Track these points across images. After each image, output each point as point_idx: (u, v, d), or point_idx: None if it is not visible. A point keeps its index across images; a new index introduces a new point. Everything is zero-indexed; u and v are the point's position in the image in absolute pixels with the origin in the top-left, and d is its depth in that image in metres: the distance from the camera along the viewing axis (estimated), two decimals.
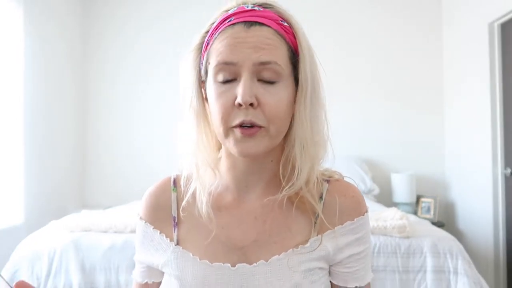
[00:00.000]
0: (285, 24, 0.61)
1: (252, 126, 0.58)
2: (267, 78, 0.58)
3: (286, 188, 0.62)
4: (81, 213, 2.39)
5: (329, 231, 0.64)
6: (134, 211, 2.40)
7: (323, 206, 0.65)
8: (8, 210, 2.67)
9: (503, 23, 2.67)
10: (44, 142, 3.12)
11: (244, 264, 0.62)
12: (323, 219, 0.64)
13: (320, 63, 0.65)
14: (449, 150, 3.39)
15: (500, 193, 2.73)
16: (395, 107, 3.49)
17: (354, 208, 0.65)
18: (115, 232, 2.01)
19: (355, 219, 0.65)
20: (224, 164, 0.67)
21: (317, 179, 0.65)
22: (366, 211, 0.67)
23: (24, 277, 1.90)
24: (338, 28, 3.55)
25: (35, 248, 1.94)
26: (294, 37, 0.62)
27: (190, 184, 0.67)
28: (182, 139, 0.66)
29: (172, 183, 0.71)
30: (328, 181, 0.67)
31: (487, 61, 2.75)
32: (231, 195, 0.67)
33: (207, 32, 0.64)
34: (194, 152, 0.64)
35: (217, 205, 0.66)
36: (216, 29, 0.62)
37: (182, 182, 0.69)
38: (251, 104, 0.57)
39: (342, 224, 0.64)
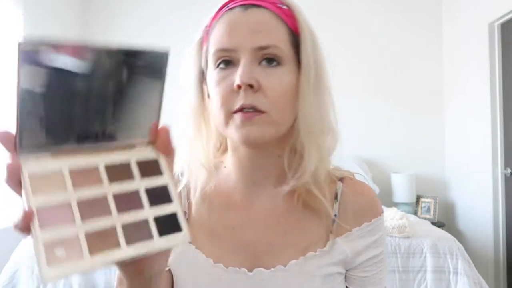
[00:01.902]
0: (284, 7, 0.58)
1: (253, 110, 0.54)
2: (268, 62, 0.55)
3: (293, 179, 0.58)
4: None
5: (346, 233, 0.60)
6: None
7: (339, 206, 0.61)
8: (8, 210, 2.67)
9: (503, 23, 2.67)
10: None
11: (261, 269, 0.58)
12: (339, 221, 0.60)
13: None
14: (449, 150, 3.39)
15: (500, 193, 2.72)
16: (394, 107, 3.49)
17: (371, 208, 0.62)
18: None
19: (372, 220, 0.61)
20: (230, 161, 0.63)
21: (330, 176, 0.62)
22: (382, 211, 0.63)
23: (24, 277, 1.90)
24: (337, 27, 3.55)
25: None
26: (295, 21, 0.58)
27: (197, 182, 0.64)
28: (177, 136, 0.64)
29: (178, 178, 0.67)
30: (341, 179, 0.64)
31: (487, 61, 2.75)
32: (240, 193, 0.62)
33: (207, 25, 0.62)
34: (188, 151, 0.62)
35: (226, 204, 0.62)
36: (215, 17, 0.60)
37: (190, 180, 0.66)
38: (251, 86, 0.53)
39: (359, 226, 0.61)
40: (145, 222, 0.35)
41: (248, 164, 0.61)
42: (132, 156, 0.38)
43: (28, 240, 2.04)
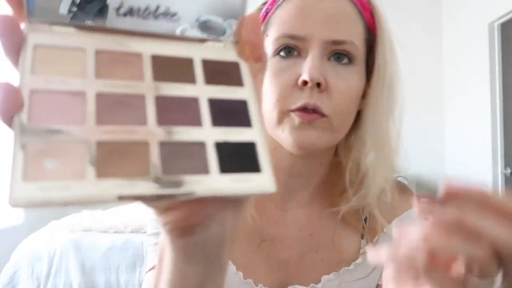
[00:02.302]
0: None
1: (313, 112, 0.46)
2: (339, 59, 0.47)
3: (354, 198, 0.51)
4: (81, 213, 2.39)
5: (377, 235, 0.53)
6: (134, 211, 2.40)
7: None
8: (8, 210, 2.68)
9: (503, 23, 2.67)
10: None
11: (296, 286, 0.51)
12: (381, 219, 0.53)
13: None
14: (449, 150, 3.39)
15: (500, 193, 2.72)
16: None
17: (402, 200, 0.55)
18: (115, 232, 2.02)
19: (404, 213, 0.55)
20: (275, 166, 0.55)
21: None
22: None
23: (24, 277, 1.90)
24: None
25: (35, 249, 1.94)
26: (373, 17, 0.51)
27: None
28: None
29: None
30: None
31: (487, 61, 2.75)
32: (272, 201, 0.55)
33: (265, 3, 0.53)
34: None
35: (256, 211, 0.54)
36: None
37: None
38: (318, 85, 0.45)
39: (389, 223, 0.54)
40: (201, 146, 0.22)
41: (286, 169, 0.53)
42: (199, 52, 0.25)
43: (28, 241, 2.04)
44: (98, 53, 0.23)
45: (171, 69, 0.24)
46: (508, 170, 2.63)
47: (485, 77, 2.78)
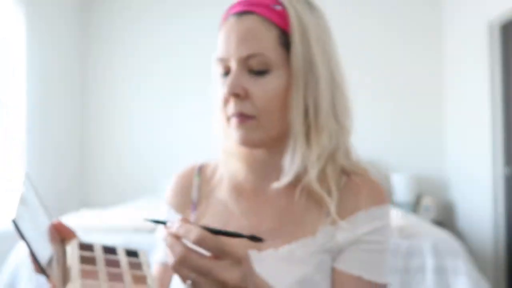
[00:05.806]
0: (278, 8, 0.59)
1: (241, 115, 0.59)
2: (256, 70, 0.58)
3: (287, 175, 0.61)
4: (80, 212, 2.39)
5: (341, 222, 0.59)
6: (134, 210, 2.40)
7: (338, 198, 0.61)
8: (8, 210, 2.67)
9: (504, 24, 2.67)
10: (45, 141, 3.12)
11: (254, 251, 0.59)
12: (333, 211, 0.60)
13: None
14: (449, 149, 3.39)
15: (500, 193, 2.72)
16: (395, 107, 3.49)
17: (371, 198, 0.62)
18: (116, 231, 2.01)
19: (369, 209, 0.60)
20: (243, 153, 0.66)
21: (342, 169, 0.64)
22: (385, 203, 0.63)
23: (24, 277, 1.90)
24: (337, 27, 3.55)
25: None
26: (287, 21, 0.59)
27: (216, 171, 0.70)
28: (214, 127, 0.67)
29: (197, 170, 0.73)
30: (348, 174, 0.64)
31: (487, 61, 2.75)
32: (250, 183, 0.67)
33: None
34: (220, 140, 0.67)
35: (237, 192, 0.67)
36: (220, 24, 0.63)
37: (208, 170, 0.72)
38: (238, 95, 0.58)
39: (354, 215, 0.60)
40: None
41: (258, 158, 0.66)
42: None
43: None
44: None
45: None
46: (509, 170, 2.63)
47: (485, 77, 2.78)
